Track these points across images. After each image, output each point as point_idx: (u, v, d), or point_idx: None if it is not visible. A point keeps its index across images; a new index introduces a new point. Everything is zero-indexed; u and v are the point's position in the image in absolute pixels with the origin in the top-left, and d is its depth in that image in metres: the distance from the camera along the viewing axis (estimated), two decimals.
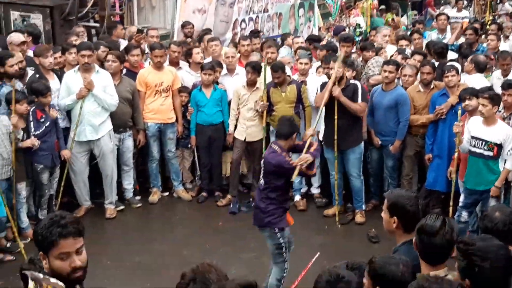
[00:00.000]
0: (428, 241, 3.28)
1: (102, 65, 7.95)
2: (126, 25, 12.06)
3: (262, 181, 5.94)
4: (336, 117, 7.42)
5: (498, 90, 7.04)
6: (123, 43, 9.35)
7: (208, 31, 10.37)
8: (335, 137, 7.48)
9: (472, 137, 6.65)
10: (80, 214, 7.76)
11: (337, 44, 9.54)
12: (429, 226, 3.30)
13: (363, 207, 7.99)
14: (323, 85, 7.61)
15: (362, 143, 7.78)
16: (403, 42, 9.89)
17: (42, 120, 7.10)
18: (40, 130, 7.06)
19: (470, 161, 6.77)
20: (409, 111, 7.72)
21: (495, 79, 8.11)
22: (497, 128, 6.54)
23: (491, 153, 6.55)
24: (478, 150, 6.62)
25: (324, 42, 10.80)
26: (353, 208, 8.01)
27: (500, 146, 6.51)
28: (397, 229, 3.67)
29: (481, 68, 8.09)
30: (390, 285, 3.04)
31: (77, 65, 7.64)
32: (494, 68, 8.71)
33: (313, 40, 10.40)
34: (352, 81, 7.56)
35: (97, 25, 10.98)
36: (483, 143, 6.56)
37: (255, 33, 10.48)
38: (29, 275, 2.78)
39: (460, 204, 6.89)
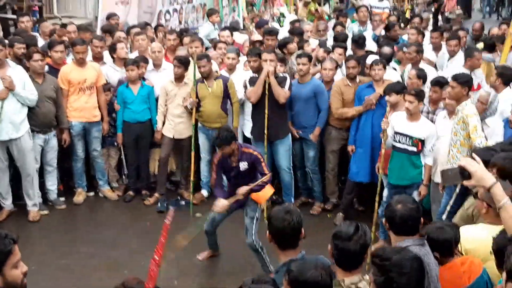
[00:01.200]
0: (342, 246, 3.33)
1: (19, 62, 7.67)
2: (45, 15, 11.73)
3: None
4: (266, 111, 7.52)
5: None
6: (38, 39, 9.07)
7: (144, 25, 10.15)
8: (265, 130, 7.58)
9: (396, 133, 6.82)
10: (1, 217, 7.53)
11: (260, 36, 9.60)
12: (344, 232, 3.36)
13: (292, 200, 8.10)
14: (252, 80, 7.68)
15: (290, 135, 7.88)
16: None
17: None
18: None
19: (393, 156, 6.93)
20: (327, 100, 7.88)
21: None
22: (421, 124, 6.75)
23: (415, 149, 6.74)
24: (402, 146, 6.80)
25: (249, 34, 10.88)
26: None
27: (423, 142, 6.72)
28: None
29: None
30: None
31: None
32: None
33: (233, 28, 10.43)
34: (281, 74, 7.73)
35: (15, 16, 10.62)
36: (407, 138, 6.75)
37: (184, 31, 10.34)
38: None
39: (384, 199, 7.08)
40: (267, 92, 7.51)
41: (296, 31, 10.12)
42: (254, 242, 6.26)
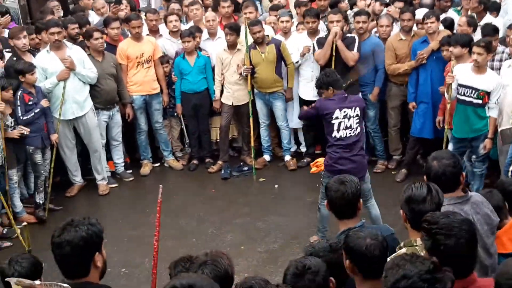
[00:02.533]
0: (418, 209, 3.30)
1: (74, 42, 7.89)
2: None
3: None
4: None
5: None
6: (92, 15, 9.24)
7: None
8: None
9: (460, 85, 6.63)
10: (73, 192, 7.84)
11: None
12: (417, 195, 3.33)
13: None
14: (319, 41, 7.63)
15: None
16: None
17: (30, 103, 7.03)
18: (30, 115, 6.99)
19: (458, 109, 6.76)
20: (384, 58, 7.73)
21: None
22: (488, 77, 6.52)
23: (480, 101, 6.54)
24: (467, 98, 6.60)
25: None
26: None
27: (489, 94, 6.50)
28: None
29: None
30: (360, 258, 3.09)
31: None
32: None
33: None
34: (349, 35, 7.65)
35: None
36: (473, 91, 6.54)
37: None
38: (16, 283, 2.81)
39: None
40: (334, 54, 7.44)
41: None
42: None
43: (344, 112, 5.86)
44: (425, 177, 3.71)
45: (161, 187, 3.79)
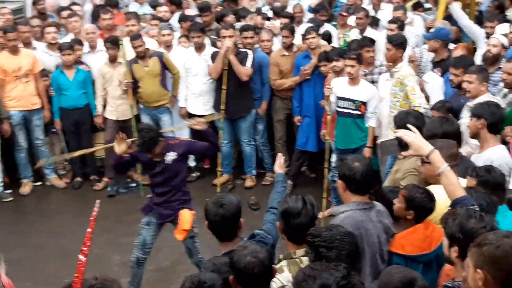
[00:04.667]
0: (293, 222, 3.38)
1: None
2: None
3: None
4: (224, 86, 7.49)
5: None
6: None
7: (71, 4, 9.85)
8: (222, 106, 7.56)
9: (339, 98, 6.86)
10: None
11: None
12: (293, 209, 3.40)
13: (254, 172, 8.18)
14: (214, 55, 7.66)
15: (254, 110, 7.87)
16: None
17: None
18: None
19: (339, 121, 7.00)
20: (269, 72, 7.88)
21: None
22: (362, 87, 6.80)
23: (359, 112, 6.80)
24: (346, 110, 6.85)
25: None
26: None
27: (366, 104, 6.78)
28: None
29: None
30: (240, 275, 3.12)
31: None
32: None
33: None
34: (242, 49, 7.69)
35: None
36: (350, 102, 6.79)
37: (113, 5, 10.02)
38: None
39: (333, 164, 7.14)
40: (226, 68, 7.46)
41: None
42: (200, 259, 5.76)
43: None
44: (341, 182, 3.68)
45: (98, 202, 3.59)
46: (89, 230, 3.07)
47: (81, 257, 2.97)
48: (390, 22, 7.93)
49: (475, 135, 4.88)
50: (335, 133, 7.08)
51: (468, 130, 4.93)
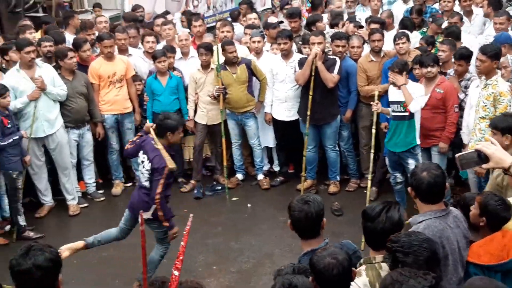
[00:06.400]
0: (370, 227, 3.45)
1: (47, 60, 7.86)
2: (75, 9, 11.85)
3: None
4: (311, 93, 7.53)
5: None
6: (67, 35, 9.14)
7: (165, 13, 10.19)
8: (308, 112, 7.59)
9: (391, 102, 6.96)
10: (43, 213, 7.73)
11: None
12: (371, 213, 3.47)
13: (338, 178, 8.15)
14: (301, 62, 7.69)
15: (339, 117, 7.87)
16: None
17: (9, 126, 6.96)
18: (9, 140, 6.88)
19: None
20: (357, 80, 7.84)
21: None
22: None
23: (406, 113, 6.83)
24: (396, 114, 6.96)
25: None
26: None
27: None
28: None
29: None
30: (319, 276, 3.15)
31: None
32: None
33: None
34: (331, 56, 7.71)
35: (46, 14, 10.77)
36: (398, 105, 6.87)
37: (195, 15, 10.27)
38: None
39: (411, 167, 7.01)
40: (313, 74, 7.49)
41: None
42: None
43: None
44: (410, 189, 3.72)
45: (191, 216, 3.67)
46: (182, 244, 3.13)
47: (175, 272, 3.03)
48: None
49: None
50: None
51: None
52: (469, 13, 9.56)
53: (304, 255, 3.63)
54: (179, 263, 3.14)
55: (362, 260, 3.48)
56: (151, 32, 9.05)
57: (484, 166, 3.43)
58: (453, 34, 7.97)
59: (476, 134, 6.26)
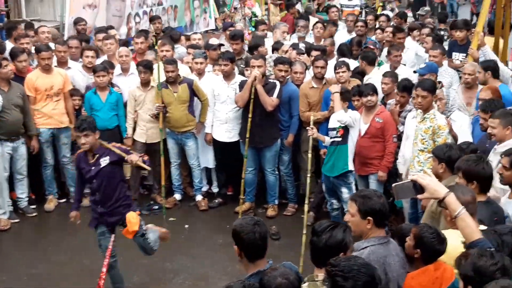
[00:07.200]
0: (318, 243, 3.47)
1: None
2: (13, 19, 11.55)
3: None
4: (250, 115, 7.56)
5: None
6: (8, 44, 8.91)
7: (103, 28, 10.06)
8: (247, 134, 7.62)
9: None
10: None
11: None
12: (317, 229, 3.52)
13: (276, 201, 8.18)
14: (242, 84, 7.74)
15: (279, 140, 7.91)
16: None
17: None
18: None
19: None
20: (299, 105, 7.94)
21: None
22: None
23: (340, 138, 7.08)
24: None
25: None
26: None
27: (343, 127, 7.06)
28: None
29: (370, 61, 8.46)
30: None
31: None
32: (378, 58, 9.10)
33: None
34: (271, 80, 7.77)
35: None
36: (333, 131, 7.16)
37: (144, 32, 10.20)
38: None
39: (345, 196, 7.13)
40: (253, 97, 7.53)
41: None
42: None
43: None
44: (358, 212, 3.73)
45: (113, 236, 3.53)
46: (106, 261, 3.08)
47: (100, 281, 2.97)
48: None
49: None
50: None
51: (500, 176, 4.86)
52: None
53: (250, 277, 3.58)
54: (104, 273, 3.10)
55: (306, 278, 3.48)
56: (90, 46, 8.91)
57: (419, 196, 3.53)
58: (368, 58, 8.41)
59: (414, 167, 6.36)
